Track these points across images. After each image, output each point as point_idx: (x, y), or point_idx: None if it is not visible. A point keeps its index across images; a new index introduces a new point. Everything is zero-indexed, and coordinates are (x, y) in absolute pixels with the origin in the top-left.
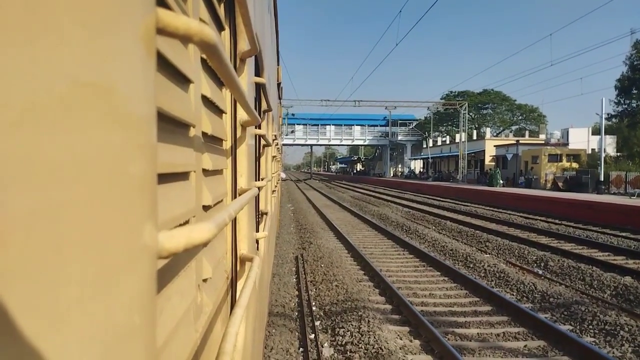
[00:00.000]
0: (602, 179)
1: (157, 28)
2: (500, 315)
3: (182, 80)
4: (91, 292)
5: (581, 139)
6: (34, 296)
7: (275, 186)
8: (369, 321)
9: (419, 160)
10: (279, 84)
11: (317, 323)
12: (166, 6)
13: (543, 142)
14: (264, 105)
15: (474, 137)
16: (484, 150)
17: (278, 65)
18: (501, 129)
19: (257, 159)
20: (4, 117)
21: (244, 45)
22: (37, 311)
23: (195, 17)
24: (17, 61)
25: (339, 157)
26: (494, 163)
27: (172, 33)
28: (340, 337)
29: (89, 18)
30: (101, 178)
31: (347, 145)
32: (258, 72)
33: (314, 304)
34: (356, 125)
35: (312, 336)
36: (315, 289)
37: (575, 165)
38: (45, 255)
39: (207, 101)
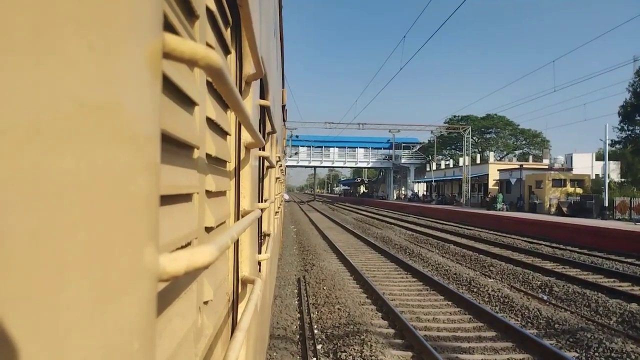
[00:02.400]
0: (607, 205)
1: (163, 52)
2: (504, 341)
3: (187, 102)
4: (90, 316)
5: (585, 165)
6: (34, 319)
7: (279, 207)
8: (371, 345)
9: (422, 183)
10: (283, 107)
11: (319, 347)
12: (173, 30)
13: (547, 167)
14: (268, 127)
15: (478, 161)
16: (488, 174)
17: (283, 87)
18: (505, 153)
19: (261, 181)
20: (9, 137)
21: (249, 68)
22: (37, 334)
23: (202, 41)
24: (24, 82)
25: (342, 179)
26: (497, 187)
27: (178, 57)
28: None
29: (96, 41)
30: (104, 200)
31: (351, 167)
32: (263, 94)
33: (315, 327)
34: (360, 147)
35: None
36: (317, 312)
37: (579, 190)
38: (46, 277)
39: (211, 123)
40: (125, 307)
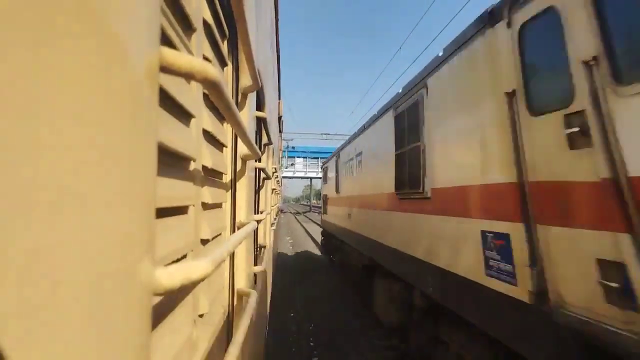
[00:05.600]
0: None
1: (160, 66)
2: None
3: (183, 114)
4: (85, 329)
5: None
6: (27, 331)
7: (275, 219)
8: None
9: None
10: (280, 118)
11: None
12: (171, 43)
13: None
14: (264, 139)
15: None
16: None
17: (279, 99)
18: None
19: (257, 192)
20: (6, 150)
21: (246, 81)
22: (31, 348)
23: (198, 54)
24: (23, 95)
25: None
26: None
27: (175, 71)
28: None
29: (94, 55)
30: (100, 212)
31: None
32: (259, 106)
33: (311, 339)
34: None
35: None
36: (313, 324)
37: None
38: (40, 290)
39: (208, 135)
40: (120, 320)
